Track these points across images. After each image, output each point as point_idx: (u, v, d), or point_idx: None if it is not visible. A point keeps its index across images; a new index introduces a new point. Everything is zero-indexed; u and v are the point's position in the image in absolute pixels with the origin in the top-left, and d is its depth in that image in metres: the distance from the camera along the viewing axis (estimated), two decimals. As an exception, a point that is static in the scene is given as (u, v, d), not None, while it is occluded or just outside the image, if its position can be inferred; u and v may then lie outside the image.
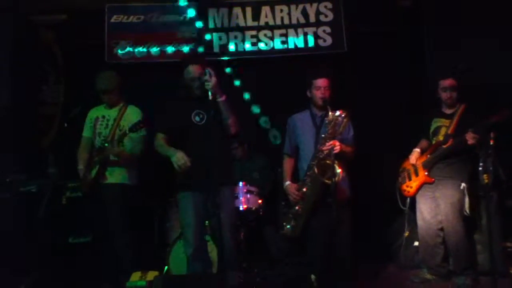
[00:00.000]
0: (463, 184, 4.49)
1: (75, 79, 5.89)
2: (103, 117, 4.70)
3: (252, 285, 4.45)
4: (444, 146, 4.54)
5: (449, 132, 4.56)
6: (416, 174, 4.70)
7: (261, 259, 5.18)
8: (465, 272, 4.47)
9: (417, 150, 4.76)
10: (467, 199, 4.48)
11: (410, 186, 4.74)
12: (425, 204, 4.68)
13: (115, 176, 4.57)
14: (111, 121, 4.64)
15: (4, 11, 5.56)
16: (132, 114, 4.63)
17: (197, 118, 4.02)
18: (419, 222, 4.75)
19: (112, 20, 6.02)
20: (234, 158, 5.39)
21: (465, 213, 4.51)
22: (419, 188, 4.70)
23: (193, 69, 4.02)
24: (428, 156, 4.65)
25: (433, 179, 4.60)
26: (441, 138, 4.61)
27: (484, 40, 5.44)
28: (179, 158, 3.84)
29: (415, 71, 5.53)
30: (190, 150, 3.93)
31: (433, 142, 4.67)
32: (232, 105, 4.04)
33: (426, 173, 4.63)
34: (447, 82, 4.63)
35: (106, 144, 4.48)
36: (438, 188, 4.60)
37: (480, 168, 4.32)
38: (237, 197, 4.88)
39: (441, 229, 4.61)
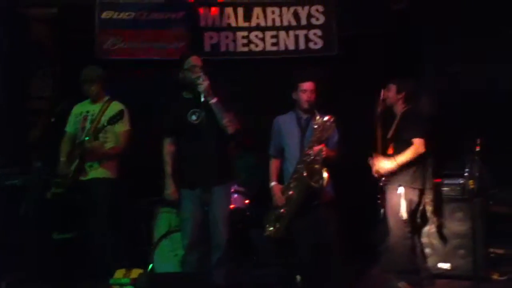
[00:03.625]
0: (399, 189, 4.40)
1: (63, 74, 5.85)
2: (87, 112, 4.69)
3: (238, 285, 4.47)
4: None
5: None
6: None
7: (247, 259, 5.17)
8: (399, 276, 4.45)
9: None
10: (404, 203, 4.39)
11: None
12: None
13: (96, 171, 4.55)
14: (95, 116, 4.62)
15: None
16: (114, 110, 4.56)
17: (193, 117, 4.08)
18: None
19: (103, 16, 5.98)
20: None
21: (400, 216, 4.40)
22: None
23: (193, 59, 4.15)
24: None
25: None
26: None
27: (480, 41, 5.48)
28: (169, 194, 4.13)
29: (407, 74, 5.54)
30: (187, 148, 4.09)
31: None
32: (226, 105, 4.06)
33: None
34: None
35: (87, 138, 4.45)
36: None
37: (466, 174, 4.40)
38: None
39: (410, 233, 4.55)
